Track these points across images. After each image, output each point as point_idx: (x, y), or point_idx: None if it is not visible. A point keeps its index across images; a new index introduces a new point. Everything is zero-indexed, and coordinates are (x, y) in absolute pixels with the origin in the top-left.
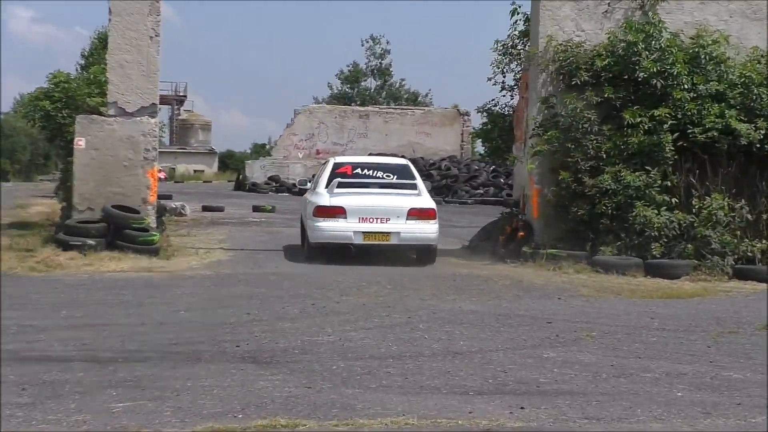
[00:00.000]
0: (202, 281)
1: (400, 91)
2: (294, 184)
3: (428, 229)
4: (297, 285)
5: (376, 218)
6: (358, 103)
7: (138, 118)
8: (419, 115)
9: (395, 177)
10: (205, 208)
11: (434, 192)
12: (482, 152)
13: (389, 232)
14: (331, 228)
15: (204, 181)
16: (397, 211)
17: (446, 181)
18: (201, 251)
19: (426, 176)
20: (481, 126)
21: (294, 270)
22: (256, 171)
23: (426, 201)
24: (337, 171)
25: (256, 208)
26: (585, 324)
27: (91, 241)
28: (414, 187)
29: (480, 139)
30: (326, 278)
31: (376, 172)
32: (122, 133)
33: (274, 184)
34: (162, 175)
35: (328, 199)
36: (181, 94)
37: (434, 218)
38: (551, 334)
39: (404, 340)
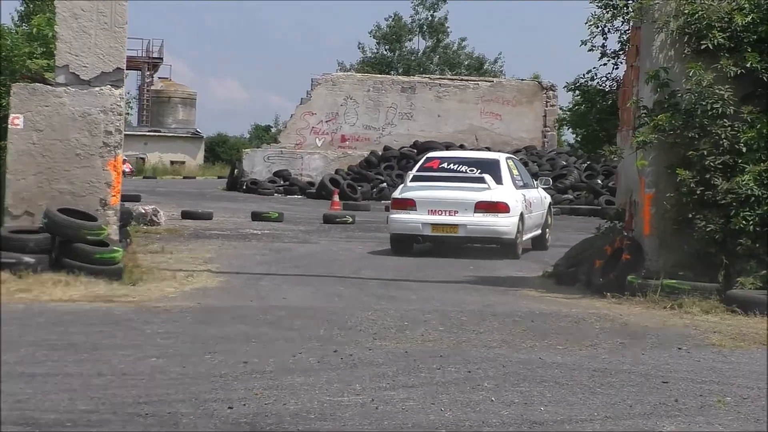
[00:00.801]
0: (181, 316)
1: (458, 56)
2: (310, 183)
3: (498, 223)
4: (314, 323)
5: (444, 210)
6: (401, 71)
7: (97, 89)
8: (485, 89)
9: (479, 172)
10: (186, 215)
11: None
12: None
13: (457, 224)
14: (403, 219)
15: (185, 177)
16: (464, 204)
17: None
18: (180, 274)
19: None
20: (571, 106)
21: (310, 303)
22: (258, 164)
23: (497, 195)
24: (425, 165)
25: (256, 216)
26: (715, 385)
27: (28, 258)
28: (485, 181)
29: (569, 125)
30: (355, 314)
31: (460, 166)
32: (75, 109)
33: (281, 182)
34: (127, 168)
35: (400, 192)
36: (156, 56)
37: (507, 212)
38: (668, 398)
39: (462, 403)
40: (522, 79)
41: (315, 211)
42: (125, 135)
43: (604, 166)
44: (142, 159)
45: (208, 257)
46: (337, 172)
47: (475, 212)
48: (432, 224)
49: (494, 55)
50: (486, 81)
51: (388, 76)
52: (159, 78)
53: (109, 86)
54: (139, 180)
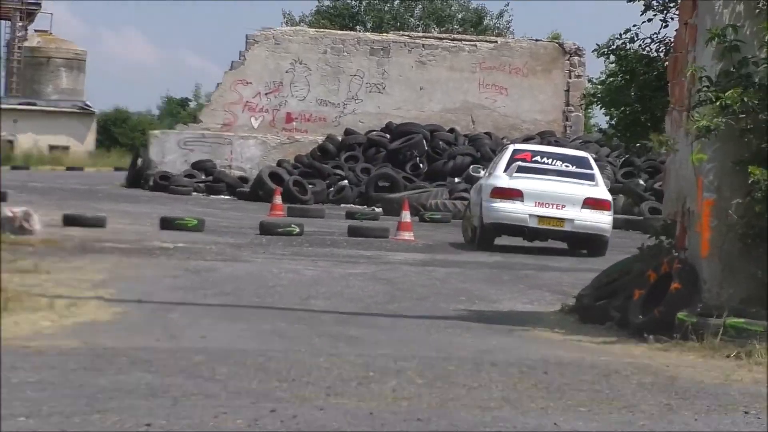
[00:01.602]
0: (61, 361)
1: (449, 7)
2: (243, 179)
3: (602, 220)
4: (244, 373)
5: (552, 204)
6: (370, 26)
7: None
8: (486, 52)
9: (574, 167)
10: (69, 220)
11: None
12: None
13: (564, 219)
14: (508, 209)
15: (69, 168)
16: (573, 199)
17: None
18: (61, 302)
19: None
20: (603, 78)
21: (240, 345)
22: (170, 151)
23: (602, 192)
24: (516, 157)
25: (167, 223)
26: None
27: None
28: (591, 177)
29: (601, 103)
30: (301, 361)
31: (555, 161)
32: None
33: (203, 177)
34: None
35: (508, 181)
36: (31, 0)
37: (609, 210)
38: None
39: None
40: (536, 40)
41: (248, 217)
42: None
43: (648, 161)
44: (10, 143)
45: (99, 279)
46: (279, 164)
47: (582, 208)
48: (539, 216)
49: (498, 6)
50: (487, 41)
51: (352, 32)
52: (35, 31)
53: None
54: (4, 171)
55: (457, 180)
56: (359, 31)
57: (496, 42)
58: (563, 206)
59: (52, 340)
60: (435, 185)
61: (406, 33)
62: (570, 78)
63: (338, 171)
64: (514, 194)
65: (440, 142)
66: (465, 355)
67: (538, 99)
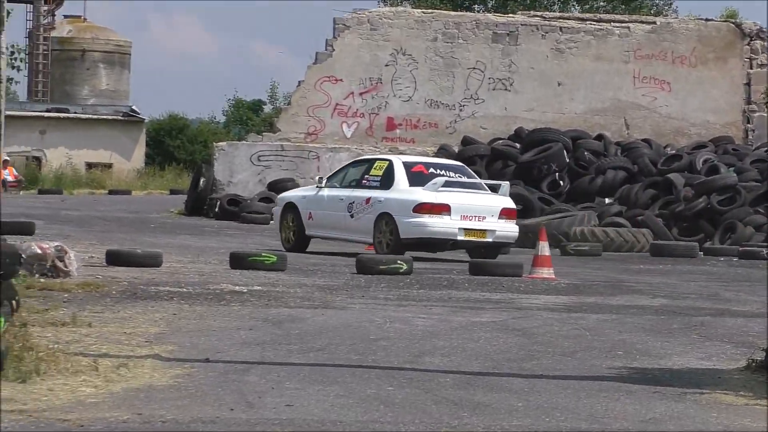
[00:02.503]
0: None
1: None
2: None
3: (513, 229)
4: None
5: (475, 216)
6: (491, 5)
7: None
8: (642, 37)
9: (464, 177)
10: (115, 258)
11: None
12: None
13: (486, 230)
14: (436, 224)
15: (112, 192)
16: (492, 210)
17: (706, 203)
18: (106, 363)
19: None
20: None
21: (335, 415)
22: (241, 168)
23: (510, 201)
24: (413, 170)
25: (239, 260)
26: None
27: None
28: (497, 188)
29: None
30: None
31: (448, 172)
32: None
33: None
34: (11, 176)
35: (435, 196)
36: None
37: (515, 218)
38: None
39: None
40: (706, 20)
41: (341, 250)
42: (6, 117)
43: None
44: (37, 160)
45: (154, 333)
46: None
47: (499, 218)
48: (465, 229)
49: None
50: (643, 23)
51: (469, 13)
52: (65, 17)
53: None
54: (30, 196)
55: (608, 201)
56: (478, 12)
57: (655, 23)
58: (484, 218)
59: (97, 411)
60: (580, 208)
61: (539, 13)
62: (751, 68)
63: None
64: (442, 209)
65: (585, 153)
66: (625, 427)
67: (710, 95)
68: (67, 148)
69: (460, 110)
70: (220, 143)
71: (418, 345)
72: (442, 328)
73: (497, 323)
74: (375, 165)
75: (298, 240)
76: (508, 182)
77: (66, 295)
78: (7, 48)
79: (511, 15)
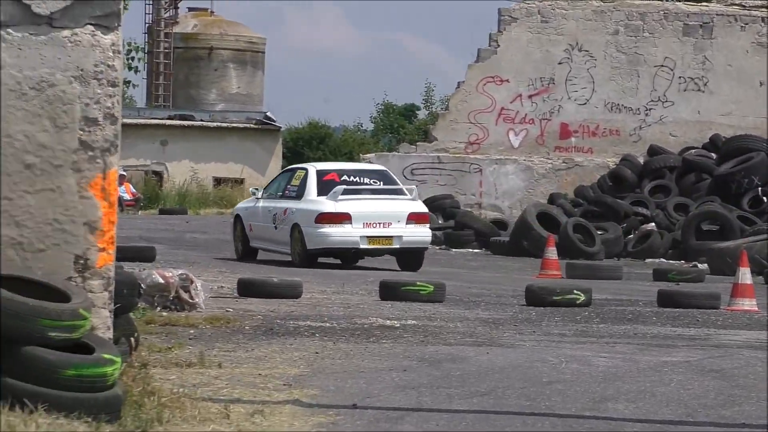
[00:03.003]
0: None
1: None
2: (499, 224)
3: (424, 233)
4: None
5: (380, 223)
6: None
7: (65, 33)
8: None
9: (381, 183)
10: (247, 288)
11: None
12: None
13: (392, 236)
14: (337, 234)
15: None
16: (398, 216)
17: None
18: (239, 410)
19: None
20: None
21: None
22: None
23: (420, 206)
24: (324, 179)
25: (390, 290)
26: None
27: None
28: (405, 192)
29: None
30: None
31: (363, 178)
32: (22, 75)
33: (440, 220)
34: (128, 194)
35: (334, 205)
36: None
37: (427, 222)
38: None
39: None
40: None
41: (509, 279)
42: (123, 125)
43: None
44: (157, 175)
45: (293, 374)
46: (552, 200)
47: (407, 223)
48: (369, 237)
49: None
50: None
51: (655, 2)
52: (189, 10)
53: (92, 28)
54: (150, 217)
55: None
56: (667, 1)
57: None
58: (390, 224)
59: None
60: None
61: (737, 2)
62: None
63: (640, 209)
64: (343, 218)
65: None
66: None
67: None
68: (192, 161)
69: (646, 114)
70: (368, 155)
71: (600, 389)
72: (627, 369)
73: (691, 363)
74: (295, 174)
75: (245, 251)
76: (415, 186)
77: (192, 331)
78: (122, 47)
79: (704, 4)
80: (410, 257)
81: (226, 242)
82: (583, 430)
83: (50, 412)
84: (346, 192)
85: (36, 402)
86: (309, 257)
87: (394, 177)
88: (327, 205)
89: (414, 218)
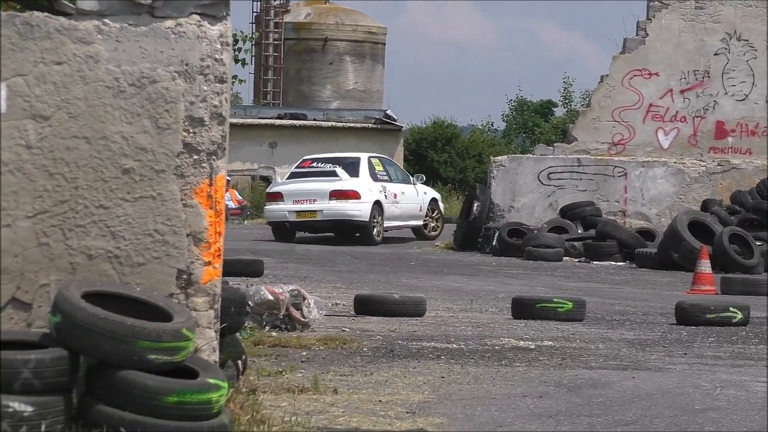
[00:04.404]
0: None
1: None
2: (646, 234)
3: (348, 207)
4: None
5: (306, 200)
6: None
7: (168, 23)
8: None
9: (336, 167)
10: (365, 305)
11: None
12: None
13: (315, 210)
14: (274, 209)
15: None
16: (321, 193)
17: None
18: None
19: None
20: None
21: None
22: (525, 189)
23: (349, 185)
24: (302, 165)
25: (523, 307)
26: None
27: (20, 405)
28: (340, 174)
29: None
30: None
31: (326, 164)
32: (120, 69)
33: (579, 230)
34: (233, 202)
35: (274, 186)
36: None
37: (358, 198)
38: None
39: None
40: None
41: (657, 295)
42: (231, 126)
43: None
44: (266, 180)
45: (417, 401)
46: (706, 207)
47: (330, 199)
48: (296, 211)
49: None
50: None
51: None
52: None
53: (197, 17)
54: (258, 226)
55: None
56: None
57: None
58: (314, 200)
59: None
60: None
61: None
62: None
63: None
64: (277, 197)
65: None
66: None
67: None
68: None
69: None
70: (499, 157)
71: (758, 417)
72: None
73: None
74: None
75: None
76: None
77: (305, 353)
78: (230, 39)
79: None
80: (344, 229)
81: (341, 254)
82: None
83: None
84: (291, 176)
85: (134, 431)
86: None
87: (361, 163)
88: (272, 186)
89: (336, 195)
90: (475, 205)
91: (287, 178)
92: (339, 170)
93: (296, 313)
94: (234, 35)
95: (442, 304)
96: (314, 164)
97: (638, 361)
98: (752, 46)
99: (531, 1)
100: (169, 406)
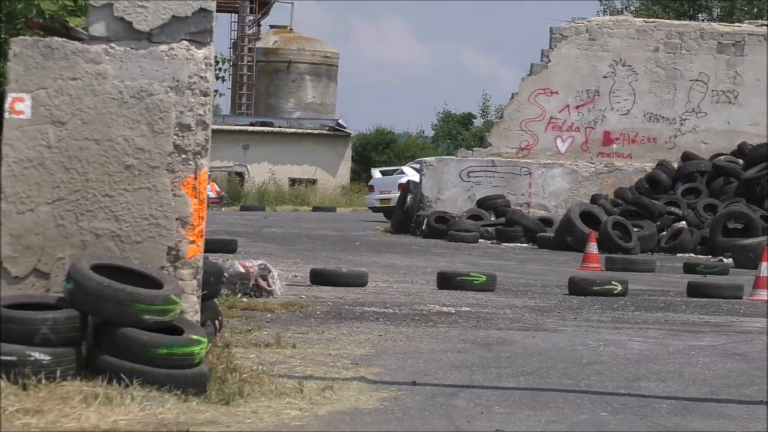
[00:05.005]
0: None
1: None
2: (545, 221)
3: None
4: None
5: (385, 190)
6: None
7: (163, 47)
8: None
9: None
10: (319, 277)
11: None
12: None
13: (389, 198)
14: (368, 197)
15: (316, 209)
16: (393, 185)
17: None
18: (311, 385)
19: None
20: None
21: None
22: (449, 185)
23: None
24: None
25: (447, 280)
26: None
27: (40, 354)
28: (403, 172)
29: None
30: None
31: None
32: (124, 84)
33: (492, 218)
34: (213, 193)
35: (370, 181)
36: None
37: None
38: None
39: None
40: None
41: (554, 271)
42: (213, 131)
43: None
44: (239, 176)
45: (359, 354)
46: (594, 200)
47: (398, 190)
48: (379, 199)
49: None
50: None
51: (693, 22)
52: (271, 27)
53: (186, 43)
54: (233, 213)
55: None
56: (702, 21)
57: None
58: (390, 191)
59: None
60: None
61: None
62: None
63: (673, 209)
64: (371, 188)
65: None
66: None
67: None
68: (271, 163)
69: (681, 124)
70: (429, 159)
71: (634, 369)
72: (659, 352)
73: (716, 347)
74: None
75: None
76: (408, 167)
77: (269, 315)
78: (212, 60)
79: (737, 24)
80: None
81: (299, 236)
82: (618, 406)
83: (144, 386)
84: (383, 173)
85: (131, 377)
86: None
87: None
88: (370, 181)
89: (401, 187)
90: (409, 197)
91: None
92: (406, 168)
93: (263, 283)
94: (215, 57)
95: (381, 276)
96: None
97: (538, 324)
98: (634, 71)
99: (458, 30)
100: (160, 357)
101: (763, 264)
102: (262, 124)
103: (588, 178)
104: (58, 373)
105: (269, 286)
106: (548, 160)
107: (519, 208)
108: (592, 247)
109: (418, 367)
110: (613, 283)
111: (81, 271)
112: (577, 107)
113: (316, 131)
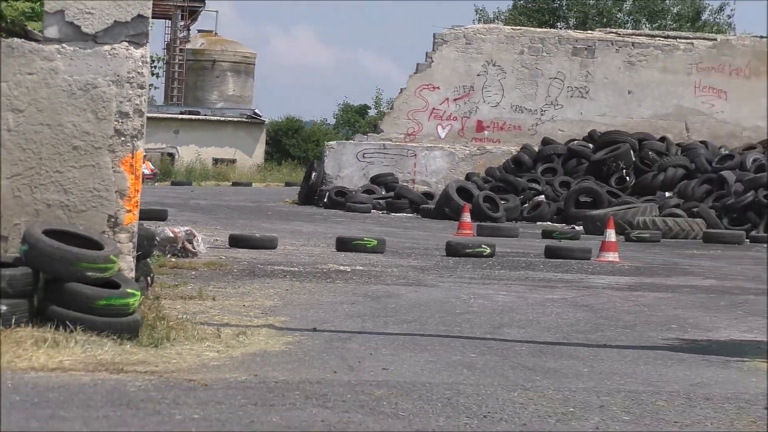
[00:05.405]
0: (228, 395)
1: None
2: (427, 195)
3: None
4: (430, 409)
5: None
6: (573, 23)
7: (107, 47)
8: (703, 52)
9: None
10: (236, 241)
11: (731, 216)
12: None
13: None
14: None
15: (235, 184)
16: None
17: (754, 197)
18: (227, 331)
19: (708, 183)
20: None
21: (425, 377)
22: (348, 164)
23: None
24: None
25: (344, 244)
26: None
27: (1, 306)
28: None
29: None
30: (494, 395)
31: None
32: (73, 78)
33: (383, 192)
34: (148, 170)
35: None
36: None
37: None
38: None
39: None
40: (762, 37)
41: (433, 237)
42: (147, 118)
43: None
44: (171, 156)
45: (269, 306)
46: (468, 177)
47: None
48: None
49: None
50: (705, 39)
51: (552, 30)
52: (198, 31)
53: (126, 44)
54: (164, 187)
55: (668, 194)
56: (560, 29)
57: (716, 40)
58: None
59: (219, 373)
60: (643, 200)
61: (614, 30)
62: None
63: (534, 185)
64: None
65: (650, 153)
66: (676, 389)
67: (761, 104)
68: (197, 145)
69: (542, 115)
70: (331, 142)
71: (498, 318)
72: (520, 304)
73: (568, 300)
74: None
75: None
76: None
77: (193, 273)
78: (148, 58)
79: (589, 32)
80: None
81: (220, 207)
82: (485, 349)
83: (86, 332)
84: None
85: (76, 324)
86: None
87: None
88: None
89: None
90: (314, 174)
91: None
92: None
93: (189, 246)
94: (151, 56)
95: (289, 241)
96: None
97: (419, 280)
98: (503, 70)
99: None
100: (100, 307)
101: (608, 231)
102: (190, 113)
103: (463, 159)
104: (13, 320)
105: (194, 248)
106: (430, 144)
107: (406, 184)
108: (466, 217)
109: (318, 316)
110: (483, 246)
111: (34, 235)
112: (455, 100)
113: (235, 119)
